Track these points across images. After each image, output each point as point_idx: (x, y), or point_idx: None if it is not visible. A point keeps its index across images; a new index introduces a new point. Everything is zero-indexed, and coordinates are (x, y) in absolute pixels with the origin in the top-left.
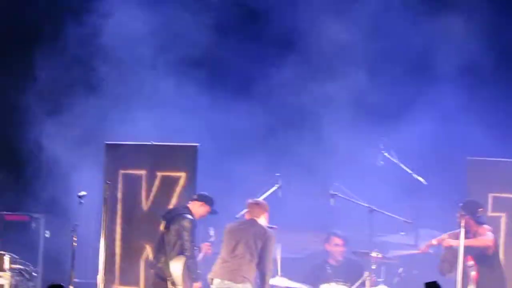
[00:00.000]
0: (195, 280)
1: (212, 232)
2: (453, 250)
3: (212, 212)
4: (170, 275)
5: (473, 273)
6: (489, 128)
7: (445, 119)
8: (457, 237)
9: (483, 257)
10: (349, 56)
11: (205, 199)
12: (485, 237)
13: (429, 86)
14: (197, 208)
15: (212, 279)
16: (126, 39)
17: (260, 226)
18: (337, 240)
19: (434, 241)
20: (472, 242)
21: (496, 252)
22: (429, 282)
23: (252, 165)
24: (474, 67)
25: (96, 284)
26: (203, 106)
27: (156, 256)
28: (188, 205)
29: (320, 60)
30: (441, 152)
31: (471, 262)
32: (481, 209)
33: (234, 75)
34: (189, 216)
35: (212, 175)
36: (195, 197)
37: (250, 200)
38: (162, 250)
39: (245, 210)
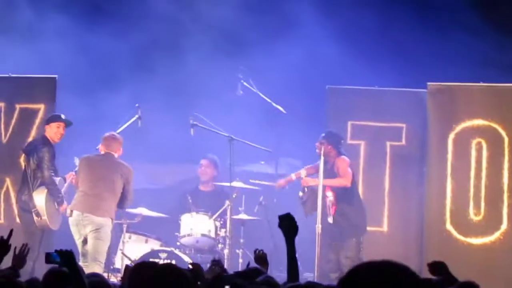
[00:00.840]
0: (59, 203)
1: (77, 162)
2: (312, 187)
3: (66, 123)
4: (34, 207)
5: (331, 204)
6: (348, 56)
7: (305, 47)
8: (316, 170)
9: (342, 189)
10: None
11: (51, 118)
12: (345, 177)
13: (290, 13)
14: (51, 131)
15: (71, 211)
16: None
17: (119, 162)
18: (204, 162)
19: (293, 176)
20: (331, 182)
21: (354, 183)
22: (283, 215)
23: (115, 94)
24: None
25: None
26: (63, 32)
27: (20, 190)
28: (45, 134)
29: None
30: (300, 80)
31: (329, 193)
32: (342, 141)
33: None
34: (45, 147)
35: (74, 106)
36: (45, 122)
37: (106, 134)
38: (25, 183)
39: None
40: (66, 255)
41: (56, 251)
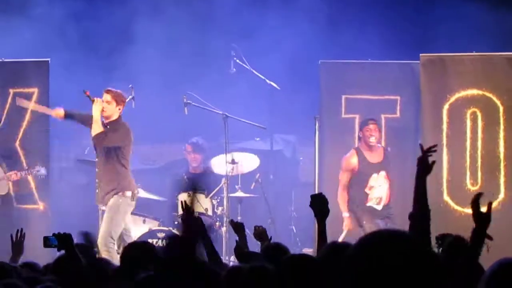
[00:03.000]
0: None
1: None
2: None
3: None
4: None
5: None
6: (339, 30)
7: (296, 22)
8: None
9: None
10: None
11: None
12: None
13: None
14: None
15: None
16: None
17: None
18: (187, 147)
19: None
20: None
21: None
22: (315, 195)
23: (107, 75)
24: None
25: None
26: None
27: None
28: None
29: None
30: (293, 56)
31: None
32: None
33: None
34: None
35: (66, 88)
36: None
37: None
38: None
39: None
40: (64, 238)
41: (54, 234)
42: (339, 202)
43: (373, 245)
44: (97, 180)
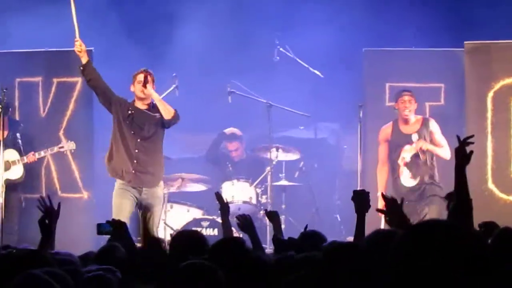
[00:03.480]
0: None
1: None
2: None
3: None
4: None
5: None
6: (383, 18)
7: (340, 11)
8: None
9: None
10: None
11: None
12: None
13: None
14: None
15: None
16: None
17: None
18: (230, 146)
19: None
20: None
21: None
22: (358, 191)
23: (150, 63)
24: None
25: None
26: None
27: None
28: None
29: None
30: (337, 44)
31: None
32: None
33: None
34: None
35: (111, 78)
36: None
37: None
38: None
39: None
40: (119, 225)
41: (107, 221)
42: (378, 178)
43: (422, 232)
44: (135, 161)
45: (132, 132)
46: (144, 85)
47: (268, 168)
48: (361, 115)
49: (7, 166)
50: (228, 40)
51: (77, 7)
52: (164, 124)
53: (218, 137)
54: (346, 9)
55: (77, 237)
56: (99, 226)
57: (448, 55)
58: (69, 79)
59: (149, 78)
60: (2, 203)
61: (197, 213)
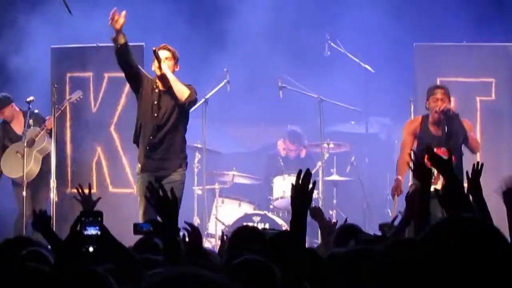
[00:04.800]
0: None
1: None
2: None
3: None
4: None
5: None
6: (433, 14)
7: (391, 7)
8: None
9: None
10: None
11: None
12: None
13: None
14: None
15: None
16: None
17: None
18: (291, 146)
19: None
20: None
21: None
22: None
23: (202, 57)
24: None
25: (49, 188)
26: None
27: None
28: None
29: None
30: (387, 39)
31: None
32: None
33: None
34: None
35: None
36: None
37: None
38: None
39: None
40: (159, 225)
41: (147, 220)
42: (398, 163)
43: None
44: (148, 147)
45: (152, 113)
46: (159, 63)
47: (319, 163)
48: (412, 109)
49: (31, 142)
50: (280, 36)
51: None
52: (182, 108)
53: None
54: (397, 3)
55: (128, 232)
56: (136, 225)
57: (499, 49)
58: (120, 74)
59: (166, 54)
60: (54, 199)
61: (248, 208)
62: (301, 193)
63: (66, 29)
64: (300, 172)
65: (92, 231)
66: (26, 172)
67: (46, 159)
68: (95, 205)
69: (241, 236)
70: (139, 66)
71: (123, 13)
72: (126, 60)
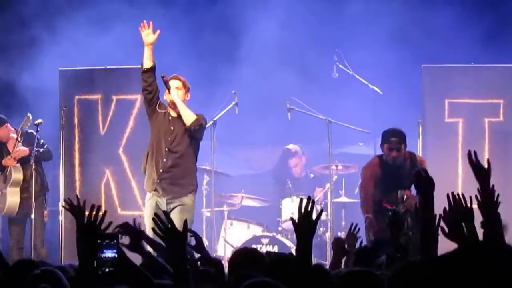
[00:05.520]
0: None
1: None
2: None
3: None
4: None
5: None
6: (443, 35)
7: (399, 28)
8: None
9: None
10: None
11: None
12: None
13: None
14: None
15: None
16: None
17: None
18: (293, 162)
19: None
20: None
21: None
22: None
23: (209, 78)
24: None
25: (58, 212)
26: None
27: None
28: None
29: None
30: (395, 60)
31: None
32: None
33: None
34: None
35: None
36: None
37: None
38: None
39: None
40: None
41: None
42: (365, 203)
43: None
44: (161, 171)
45: (165, 137)
46: (168, 90)
47: (328, 185)
48: (420, 131)
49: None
50: (287, 58)
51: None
52: (191, 133)
53: (283, 153)
54: (404, 25)
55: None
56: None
57: (507, 70)
58: (129, 96)
59: (177, 84)
60: (63, 220)
61: (257, 230)
62: (305, 221)
63: (75, 51)
64: (301, 200)
65: (109, 253)
66: (6, 210)
67: (29, 183)
68: (95, 223)
69: (241, 258)
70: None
71: (158, 31)
72: (150, 84)
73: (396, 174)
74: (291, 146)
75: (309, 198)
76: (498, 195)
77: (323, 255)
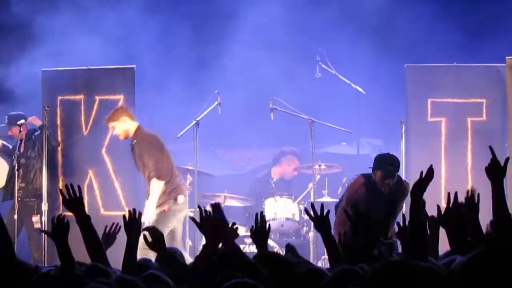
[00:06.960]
0: None
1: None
2: None
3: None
4: None
5: None
6: (426, 34)
7: (382, 27)
8: None
9: None
10: None
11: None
12: None
13: None
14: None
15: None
16: None
17: None
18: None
19: None
20: None
21: None
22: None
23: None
24: None
25: (41, 211)
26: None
27: None
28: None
29: None
30: (378, 60)
31: None
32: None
33: None
34: None
35: (150, 96)
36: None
37: None
38: None
39: None
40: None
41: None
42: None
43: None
44: None
45: None
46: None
47: (311, 185)
48: (403, 130)
49: None
50: (270, 57)
51: (120, 25)
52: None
53: (279, 153)
54: (387, 25)
55: (120, 255)
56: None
57: (490, 70)
58: (112, 96)
59: (111, 128)
60: (45, 222)
61: (240, 230)
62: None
63: (58, 52)
64: (256, 215)
65: None
66: None
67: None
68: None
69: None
70: None
71: None
72: None
73: (382, 197)
74: (288, 148)
75: (261, 215)
76: (478, 194)
77: (306, 255)
